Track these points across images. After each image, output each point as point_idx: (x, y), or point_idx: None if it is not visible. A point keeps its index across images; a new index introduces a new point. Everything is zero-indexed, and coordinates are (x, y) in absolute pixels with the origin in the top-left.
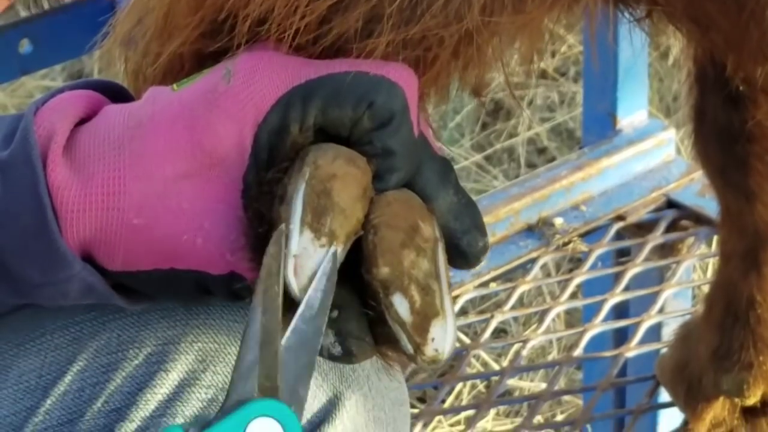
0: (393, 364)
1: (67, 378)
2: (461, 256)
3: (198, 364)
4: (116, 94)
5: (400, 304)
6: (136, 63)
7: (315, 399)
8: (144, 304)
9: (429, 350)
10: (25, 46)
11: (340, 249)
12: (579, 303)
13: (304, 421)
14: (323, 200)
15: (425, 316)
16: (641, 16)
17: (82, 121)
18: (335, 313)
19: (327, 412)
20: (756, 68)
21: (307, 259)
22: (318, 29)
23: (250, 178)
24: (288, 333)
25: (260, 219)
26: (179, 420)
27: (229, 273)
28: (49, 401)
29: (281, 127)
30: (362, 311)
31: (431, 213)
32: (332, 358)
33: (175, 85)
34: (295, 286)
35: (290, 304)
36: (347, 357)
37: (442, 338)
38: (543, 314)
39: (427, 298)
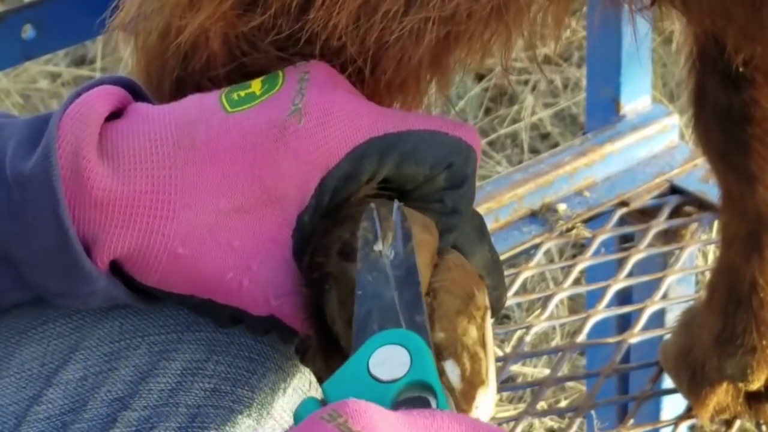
0: None
1: (70, 366)
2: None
3: (201, 354)
4: (129, 89)
5: (452, 371)
6: (148, 39)
7: (319, 388)
8: (160, 304)
9: (472, 416)
10: (28, 31)
11: None
12: (582, 289)
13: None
14: None
15: (473, 384)
16: (646, 4)
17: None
18: None
19: None
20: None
21: None
22: (360, 11)
23: (306, 219)
24: None
25: (316, 271)
26: (182, 410)
27: (269, 315)
28: (51, 390)
29: (351, 176)
30: None
31: (483, 282)
32: None
33: (224, 100)
34: None
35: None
36: None
37: (485, 406)
38: (546, 300)
39: (476, 366)
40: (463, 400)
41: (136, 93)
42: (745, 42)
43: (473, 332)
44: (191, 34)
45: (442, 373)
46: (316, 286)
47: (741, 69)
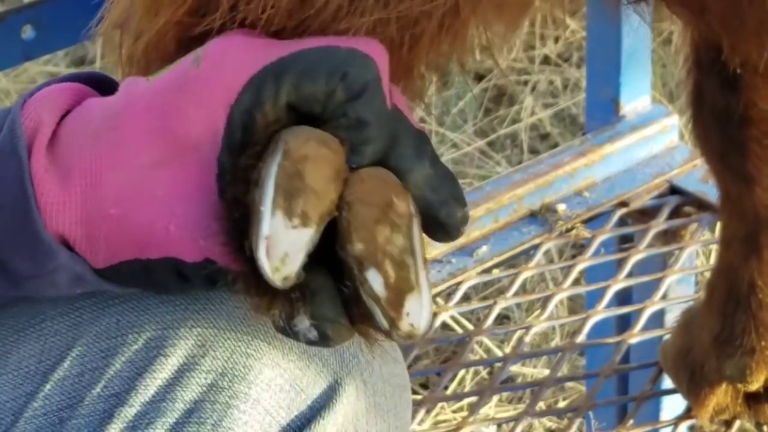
0: (376, 341)
1: (67, 363)
2: (441, 228)
3: (197, 349)
4: (105, 86)
5: (375, 280)
6: (129, 47)
7: (315, 385)
8: (135, 288)
9: (404, 325)
10: (27, 31)
11: (313, 230)
12: (582, 289)
13: (304, 407)
14: (295, 182)
15: (400, 290)
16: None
17: (69, 113)
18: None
19: (327, 398)
20: (753, 53)
21: (278, 240)
22: (300, 7)
23: (224, 160)
24: None
25: (236, 204)
26: (179, 405)
27: (204, 259)
28: (48, 386)
29: (254, 106)
30: (336, 293)
31: (406, 189)
32: (309, 342)
33: (150, 77)
34: (267, 268)
35: None
36: (324, 341)
37: (418, 313)
38: (546, 300)
39: (402, 273)
40: (390, 307)
41: (111, 88)
42: (725, 33)
43: (399, 240)
44: (150, 38)
45: (364, 282)
46: (238, 219)
47: (738, 71)
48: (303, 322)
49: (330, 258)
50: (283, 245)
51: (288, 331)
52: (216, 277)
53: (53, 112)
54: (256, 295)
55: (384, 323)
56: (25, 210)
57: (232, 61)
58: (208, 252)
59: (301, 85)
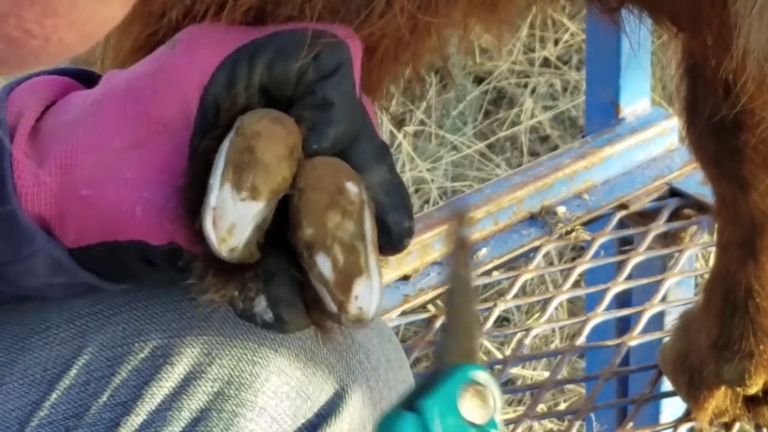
0: (329, 333)
1: (73, 372)
2: (386, 233)
3: (204, 357)
4: (93, 83)
5: (323, 264)
6: (109, 62)
7: (322, 392)
8: (120, 284)
9: (353, 308)
10: None
11: (263, 204)
12: (582, 292)
13: (310, 414)
14: (246, 156)
15: (348, 274)
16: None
17: (53, 104)
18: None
19: (334, 405)
20: (723, 56)
21: (225, 212)
22: (255, 15)
23: (197, 141)
24: None
25: (194, 185)
26: (185, 414)
27: (169, 243)
28: (54, 395)
29: (227, 86)
30: (295, 278)
31: (360, 177)
32: (265, 325)
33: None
34: (213, 238)
35: None
36: (279, 324)
37: (367, 296)
38: (546, 303)
39: (351, 257)
40: (339, 290)
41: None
42: (693, 38)
43: (349, 226)
44: (111, 62)
45: (312, 266)
46: (194, 199)
47: (729, 76)
48: (260, 304)
49: (287, 242)
50: (229, 217)
51: (245, 313)
52: (178, 258)
53: (39, 101)
54: (211, 276)
55: (333, 306)
56: (3, 192)
57: (207, 43)
58: (173, 236)
59: (275, 64)
